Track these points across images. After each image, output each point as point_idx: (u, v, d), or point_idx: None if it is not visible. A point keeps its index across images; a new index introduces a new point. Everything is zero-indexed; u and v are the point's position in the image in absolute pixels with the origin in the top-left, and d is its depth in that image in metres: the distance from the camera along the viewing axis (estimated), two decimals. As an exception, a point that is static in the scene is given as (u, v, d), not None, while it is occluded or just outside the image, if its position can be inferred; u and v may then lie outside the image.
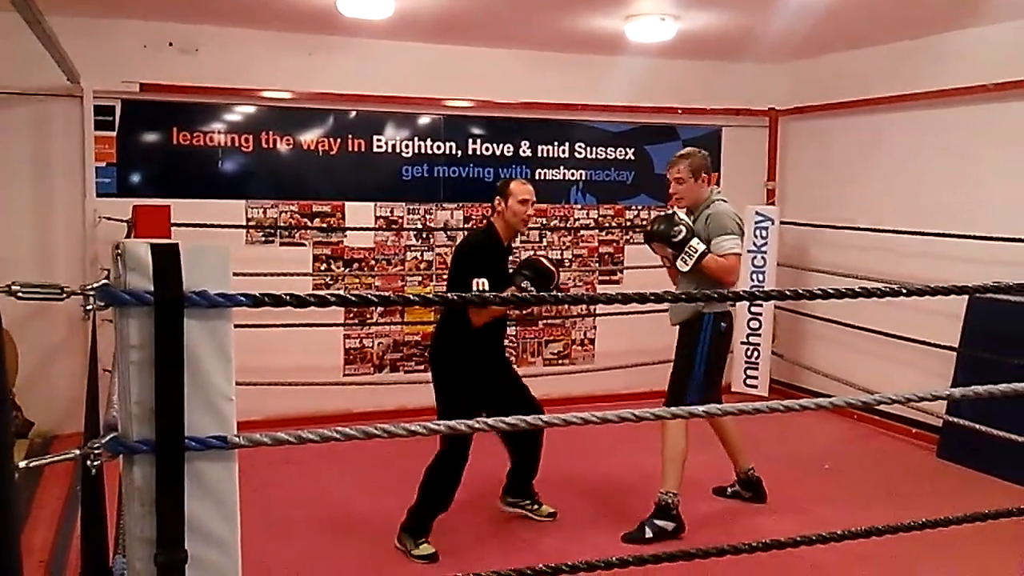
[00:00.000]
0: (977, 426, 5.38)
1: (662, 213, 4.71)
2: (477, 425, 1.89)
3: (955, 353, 5.93)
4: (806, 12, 5.59)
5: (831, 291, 2.08)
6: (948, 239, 5.90)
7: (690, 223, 4.54)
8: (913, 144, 6.54)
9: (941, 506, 4.90)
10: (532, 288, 4.26)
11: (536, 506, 4.83)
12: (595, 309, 7.47)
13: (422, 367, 6.91)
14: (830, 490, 5.32)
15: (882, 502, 5.08)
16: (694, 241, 4.46)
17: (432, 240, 6.98)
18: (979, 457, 5.56)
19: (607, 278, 7.58)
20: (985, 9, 5.52)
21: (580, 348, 7.51)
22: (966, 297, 5.76)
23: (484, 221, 4.69)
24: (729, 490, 5.10)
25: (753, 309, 7.27)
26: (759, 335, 7.30)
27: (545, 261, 4.45)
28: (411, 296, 1.96)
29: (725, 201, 4.66)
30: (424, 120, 6.92)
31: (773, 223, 7.25)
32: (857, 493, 5.26)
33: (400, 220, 6.90)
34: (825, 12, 5.57)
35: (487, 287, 4.20)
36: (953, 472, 5.67)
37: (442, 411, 4.45)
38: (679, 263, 4.49)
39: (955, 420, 5.68)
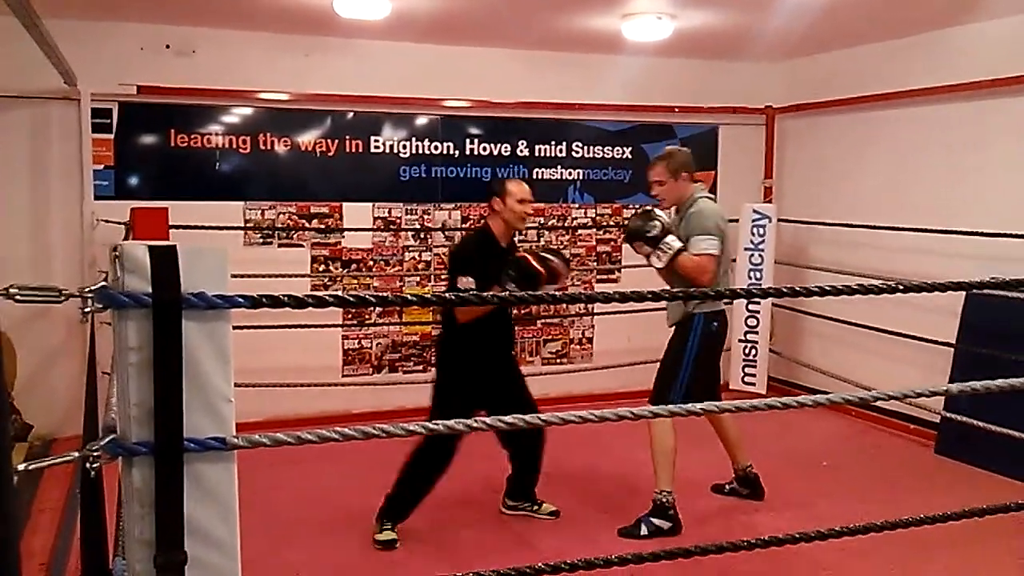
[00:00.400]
0: (975, 422, 5.38)
1: (641, 210, 4.71)
2: (476, 424, 1.90)
3: (952, 349, 5.94)
4: (802, 10, 5.59)
5: (828, 288, 2.09)
6: (945, 235, 5.91)
7: (667, 221, 4.52)
8: (910, 141, 6.55)
9: (938, 502, 4.91)
10: (514, 288, 4.20)
11: (537, 506, 4.85)
12: (593, 308, 7.48)
13: (420, 367, 6.92)
14: (828, 486, 5.33)
15: (880, 498, 5.10)
16: (668, 238, 4.43)
17: (430, 240, 6.98)
18: (976, 453, 5.57)
19: (605, 277, 7.59)
20: (981, 5, 5.52)
21: (578, 347, 7.51)
22: (963, 293, 5.77)
23: (481, 221, 4.72)
24: (727, 487, 5.11)
25: (751, 307, 7.28)
26: (757, 332, 7.30)
27: (532, 261, 4.31)
28: (409, 296, 1.97)
29: (711, 198, 4.65)
30: (421, 120, 6.92)
31: (770, 221, 7.25)
32: (855, 489, 5.27)
33: (398, 220, 6.90)
34: (821, 10, 5.58)
35: (472, 285, 4.24)
36: (950, 468, 5.68)
37: (434, 405, 4.51)
38: (653, 259, 4.49)
39: (952, 416, 5.69)
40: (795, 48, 7.10)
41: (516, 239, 4.73)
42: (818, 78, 7.31)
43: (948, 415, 5.76)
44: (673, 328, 4.69)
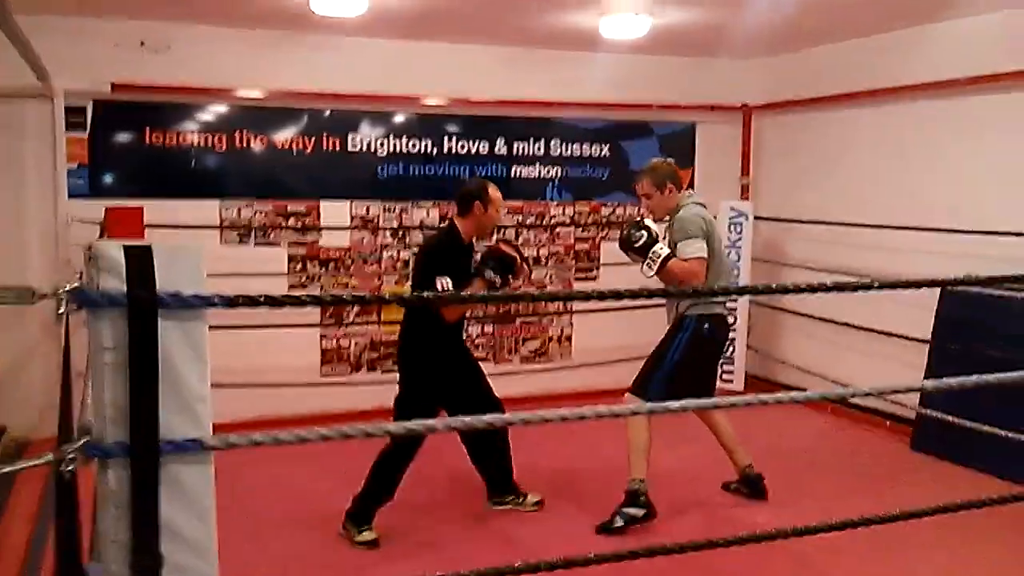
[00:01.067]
0: (950, 418, 5.43)
1: (632, 220, 4.77)
2: (455, 424, 1.90)
3: (928, 345, 5.99)
4: (779, 7, 5.62)
5: (805, 286, 2.10)
6: (921, 232, 5.98)
7: (656, 230, 4.59)
8: (887, 138, 6.60)
9: (916, 497, 4.95)
10: (498, 278, 4.41)
11: (521, 499, 4.87)
12: (571, 306, 7.48)
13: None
14: (806, 483, 5.36)
15: (858, 494, 5.13)
16: (656, 247, 4.50)
17: (408, 239, 6.95)
18: (953, 448, 5.61)
19: (583, 275, 7.60)
20: (959, 2, 5.55)
21: (557, 345, 7.52)
22: (939, 289, 5.82)
23: (448, 219, 4.75)
24: (732, 485, 5.14)
25: (728, 304, 7.30)
26: (734, 330, 7.32)
27: (504, 247, 4.54)
28: (386, 295, 1.95)
29: (698, 203, 4.69)
30: (399, 118, 6.90)
31: (747, 218, 7.29)
32: (833, 486, 5.30)
33: (376, 219, 6.87)
34: (798, 7, 5.60)
35: (450, 285, 4.31)
36: (928, 463, 5.73)
37: (404, 405, 4.51)
38: (644, 269, 4.55)
39: (928, 412, 5.74)
40: (772, 45, 7.13)
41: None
42: (796, 75, 7.35)
43: (924, 411, 5.81)
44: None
